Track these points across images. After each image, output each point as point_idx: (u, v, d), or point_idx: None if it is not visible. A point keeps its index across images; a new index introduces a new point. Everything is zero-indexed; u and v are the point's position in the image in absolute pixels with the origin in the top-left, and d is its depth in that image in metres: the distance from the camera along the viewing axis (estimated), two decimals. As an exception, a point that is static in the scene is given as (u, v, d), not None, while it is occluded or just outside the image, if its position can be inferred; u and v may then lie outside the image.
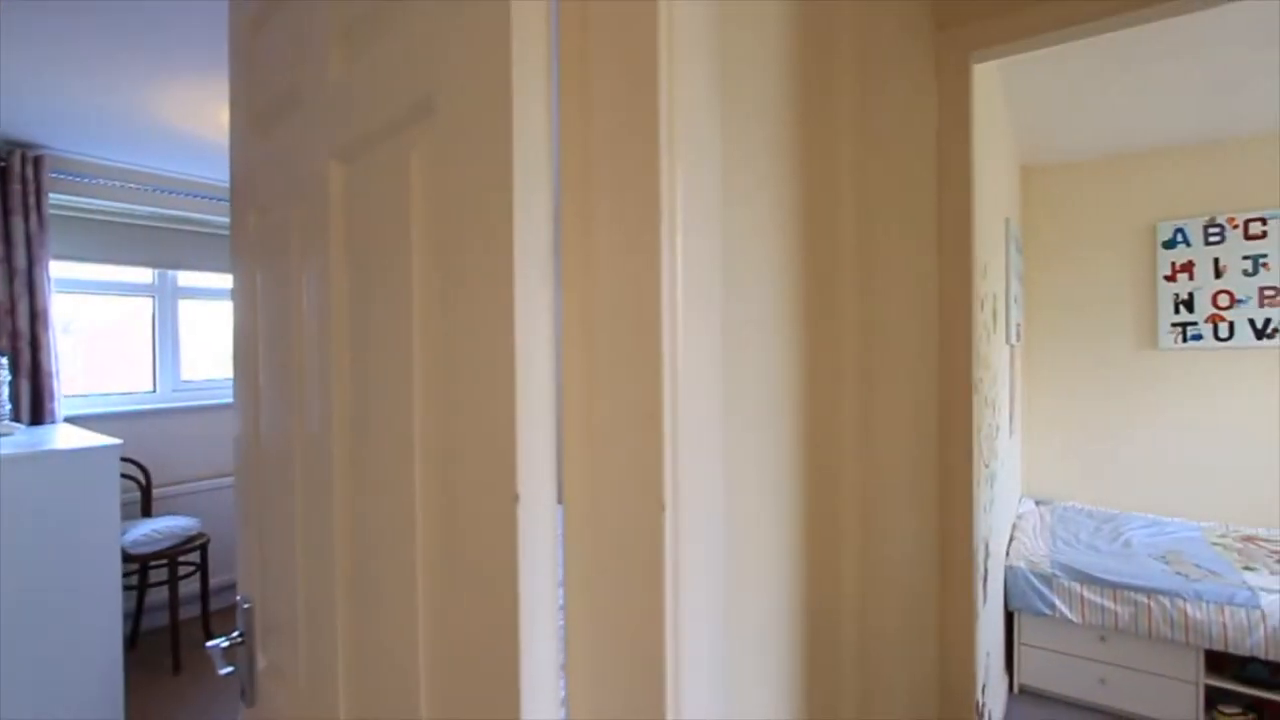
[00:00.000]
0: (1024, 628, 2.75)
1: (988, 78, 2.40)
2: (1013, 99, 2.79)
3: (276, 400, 0.89)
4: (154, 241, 3.50)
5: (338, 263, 0.71)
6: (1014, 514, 3.28)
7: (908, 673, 1.27)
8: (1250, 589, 2.40)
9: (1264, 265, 3.13)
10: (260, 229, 0.96)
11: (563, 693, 0.48)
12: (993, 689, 2.41)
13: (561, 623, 0.50)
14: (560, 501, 0.50)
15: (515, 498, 0.45)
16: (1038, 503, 3.61)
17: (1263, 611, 2.31)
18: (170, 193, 3.45)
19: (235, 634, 1.00)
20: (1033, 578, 2.70)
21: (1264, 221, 3.12)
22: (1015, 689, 2.78)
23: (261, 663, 0.97)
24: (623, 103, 0.43)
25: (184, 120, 2.72)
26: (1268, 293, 3.12)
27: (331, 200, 0.72)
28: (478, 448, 0.48)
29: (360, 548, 0.67)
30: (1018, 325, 3.29)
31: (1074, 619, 2.60)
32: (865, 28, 1.03)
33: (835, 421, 0.86)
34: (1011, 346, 3.09)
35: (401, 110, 0.59)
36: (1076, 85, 2.64)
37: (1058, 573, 2.66)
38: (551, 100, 0.48)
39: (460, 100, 0.51)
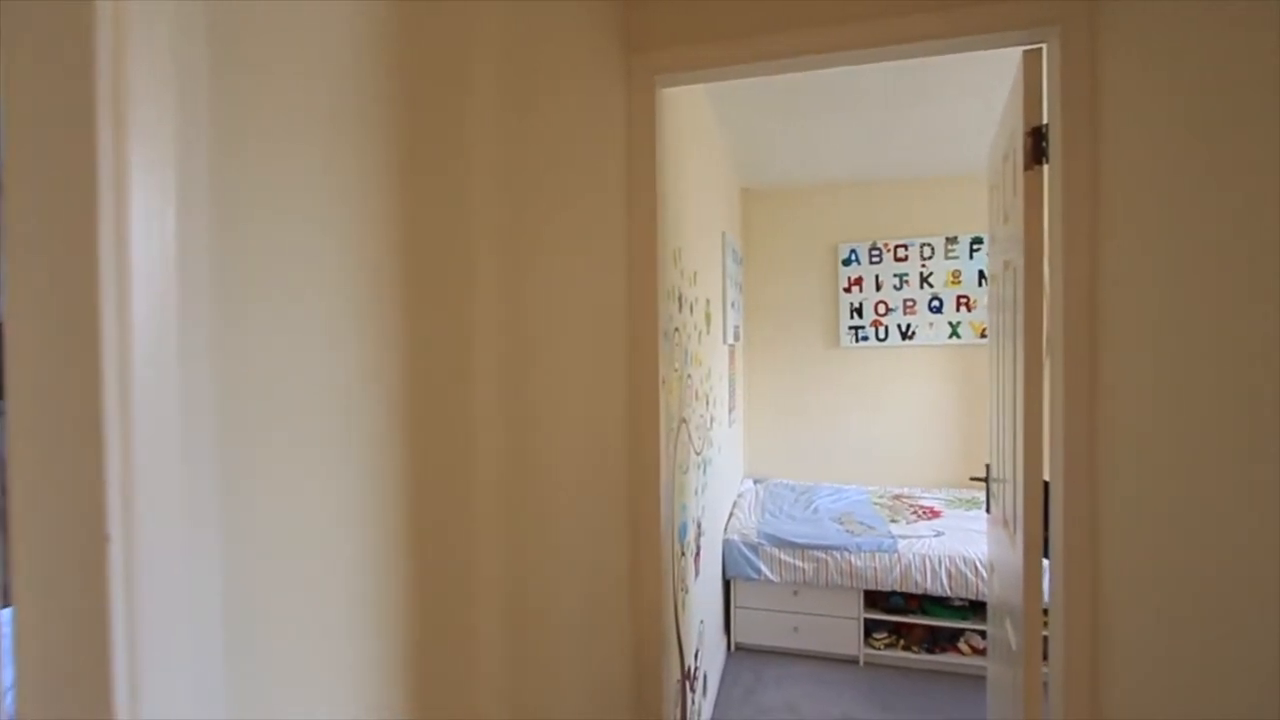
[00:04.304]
0: (738, 592, 3.13)
1: (700, 103, 2.67)
2: (726, 128, 3.16)
3: None
4: None
5: None
6: (735, 493, 3.73)
7: (595, 660, 1.33)
8: (893, 537, 3.04)
9: (906, 282, 3.99)
10: None
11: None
12: (710, 652, 2.69)
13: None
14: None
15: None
16: (755, 481, 4.16)
17: (899, 554, 2.93)
18: None
19: None
20: (743, 548, 3.08)
21: (906, 248, 3.99)
22: (732, 647, 3.15)
23: None
24: (64, 82, 0.36)
25: None
26: (908, 304, 3.99)
27: None
28: None
29: None
30: (736, 327, 3.74)
31: (774, 579, 3.03)
32: (535, 38, 1.05)
33: (468, 426, 0.85)
34: (730, 346, 3.50)
35: None
36: (772, 123, 3.08)
37: (763, 541, 3.08)
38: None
39: None
